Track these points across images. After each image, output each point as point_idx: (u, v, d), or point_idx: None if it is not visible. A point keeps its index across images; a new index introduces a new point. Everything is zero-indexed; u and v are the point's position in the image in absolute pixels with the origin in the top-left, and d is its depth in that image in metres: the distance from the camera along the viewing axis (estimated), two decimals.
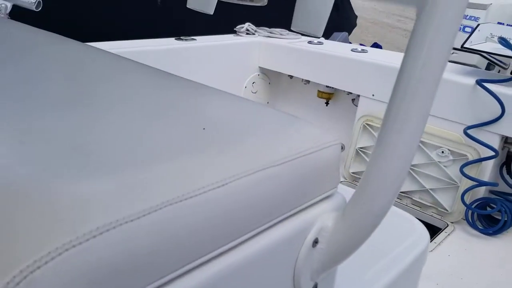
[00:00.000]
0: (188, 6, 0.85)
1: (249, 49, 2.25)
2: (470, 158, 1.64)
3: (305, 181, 0.48)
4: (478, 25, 1.79)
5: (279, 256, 0.45)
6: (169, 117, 0.50)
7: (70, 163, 0.37)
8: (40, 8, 1.57)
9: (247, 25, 2.28)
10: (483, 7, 2.32)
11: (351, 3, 4.12)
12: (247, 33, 2.27)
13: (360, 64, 1.92)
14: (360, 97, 1.95)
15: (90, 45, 0.82)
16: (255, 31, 2.30)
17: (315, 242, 0.49)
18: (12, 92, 0.54)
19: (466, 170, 1.62)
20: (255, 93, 2.35)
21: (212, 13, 0.82)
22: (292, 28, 0.68)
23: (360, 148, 1.91)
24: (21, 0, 1.56)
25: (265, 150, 0.45)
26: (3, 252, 0.28)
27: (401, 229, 0.81)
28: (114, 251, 0.30)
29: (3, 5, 1.55)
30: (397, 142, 0.47)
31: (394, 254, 0.74)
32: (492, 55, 1.82)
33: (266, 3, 0.70)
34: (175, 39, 2.02)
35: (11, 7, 1.57)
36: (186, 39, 2.04)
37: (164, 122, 0.48)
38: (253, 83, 2.32)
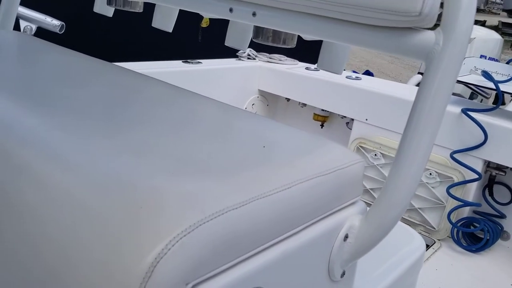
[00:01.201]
0: (152, 25, 1.00)
1: (250, 72, 2.39)
2: (456, 180, 1.78)
3: (338, 190, 0.61)
4: (464, 58, 1.96)
5: (319, 247, 0.58)
6: (233, 136, 0.63)
7: (184, 169, 0.49)
8: (63, 31, 1.69)
9: (248, 50, 2.43)
10: (468, 41, 2.50)
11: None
12: (248, 58, 2.42)
13: (355, 91, 2.07)
14: (354, 121, 2.09)
15: (136, 72, 0.94)
16: (256, 56, 2.45)
17: (346, 237, 0.62)
18: (92, 114, 0.65)
19: (452, 191, 1.77)
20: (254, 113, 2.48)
21: (171, 31, 0.98)
22: (317, 67, 0.81)
23: None
24: (45, 23, 1.67)
25: (310, 165, 0.58)
26: (155, 226, 0.40)
27: (402, 237, 0.94)
28: (226, 228, 0.43)
29: (28, 27, 1.67)
30: (411, 163, 0.60)
31: (397, 257, 0.87)
32: (476, 86, 1.98)
33: (295, 45, 0.84)
34: (183, 61, 2.15)
35: (35, 29, 1.68)
36: (192, 62, 2.17)
37: (231, 140, 0.61)
38: (253, 104, 2.45)
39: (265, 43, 0.83)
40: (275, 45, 0.83)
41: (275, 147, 0.62)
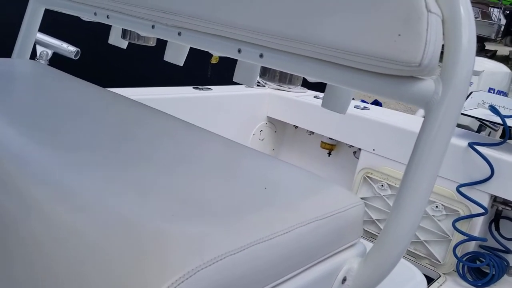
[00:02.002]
0: (164, 59, 1.03)
1: (259, 99, 2.42)
2: (462, 213, 1.78)
3: (338, 233, 0.62)
4: (471, 92, 1.98)
5: None
6: (235, 176, 0.65)
7: (186, 210, 0.51)
8: (78, 57, 1.73)
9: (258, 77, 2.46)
10: (477, 73, 2.53)
11: None
12: (257, 85, 2.45)
13: (363, 120, 2.09)
14: (361, 151, 2.10)
15: (136, 101, 0.97)
16: (265, 83, 2.48)
17: (344, 279, 0.63)
18: (100, 149, 0.68)
19: (458, 224, 1.76)
20: (262, 140, 2.50)
21: (182, 64, 1.02)
22: (322, 107, 0.83)
23: (361, 198, 2.05)
24: (61, 49, 1.72)
25: (310, 208, 0.60)
26: (156, 270, 0.42)
27: (402, 274, 0.95)
28: (224, 273, 0.45)
29: (44, 52, 1.72)
30: (411, 203, 0.62)
31: None
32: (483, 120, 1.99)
33: (300, 85, 0.86)
34: (193, 88, 2.19)
35: (51, 54, 1.73)
36: (202, 89, 2.21)
37: (234, 180, 0.63)
38: (261, 131, 2.48)
39: (271, 82, 0.85)
40: (281, 84, 0.85)
41: (277, 188, 0.63)
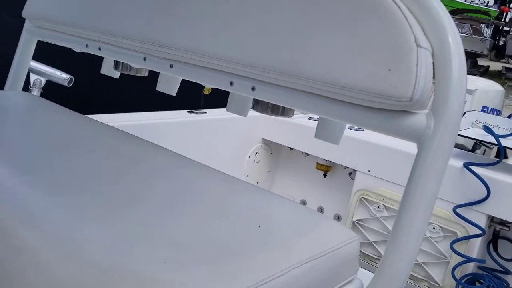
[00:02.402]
0: (157, 89, 1.03)
1: (254, 122, 2.42)
2: (459, 235, 1.77)
3: (334, 271, 0.61)
4: (465, 112, 1.98)
5: None
6: (229, 214, 0.64)
7: (178, 256, 0.50)
8: (71, 84, 1.73)
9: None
10: (470, 92, 2.54)
11: None
12: (252, 108, 2.45)
13: (357, 142, 2.09)
14: (357, 172, 2.10)
15: (129, 134, 0.96)
16: None
17: None
18: (91, 189, 0.67)
19: (456, 246, 1.75)
20: (257, 162, 2.50)
21: (174, 94, 1.02)
22: (315, 137, 0.83)
23: (357, 220, 2.04)
24: (54, 77, 1.72)
25: (305, 247, 0.59)
26: None
27: None
28: None
29: (37, 80, 1.72)
30: (407, 238, 0.61)
31: None
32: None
33: (293, 116, 0.86)
34: (187, 111, 2.19)
35: (45, 82, 1.73)
36: (197, 112, 2.21)
37: (227, 218, 0.62)
38: (256, 153, 2.47)
39: (264, 113, 0.85)
40: (273, 116, 0.85)
41: (271, 226, 0.62)
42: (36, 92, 1.72)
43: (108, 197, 0.65)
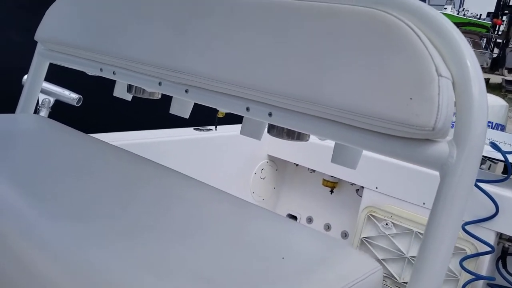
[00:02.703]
0: (170, 112, 1.04)
1: None
2: (468, 252, 1.76)
3: None
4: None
5: None
6: (249, 244, 0.64)
7: None
8: (80, 104, 1.74)
9: None
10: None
11: None
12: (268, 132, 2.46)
13: (364, 158, 2.08)
14: (364, 189, 2.09)
15: (139, 157, 0.96)
16: None
17: None
18: (102, 215, 0.67)
19: (465, 263, 1.74)
20: (263, 179, 2.49)
21: (187, 117, 1.02)
22: (332, 162, 0.83)
23: (365, 237, 2.03)
24: (63, 96, 1.73)
25: (330, 280, 0.58)
26: None
27: None
28: None
29: (46, 100, 1.72)
30: (434, 263, 0.60)
31: None
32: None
33: (308, 140, 0.86)
34: (194, 129, 2.19)
35: (53, 102, 1.73)
36: (203, 129, 2.21)
37: (248, 249, 0.62)
38: (262, 169, 2.47)
39: (279, 138, 0.85)
40: (289, 140, 0.85)
41: (294, 257, 0.62)
42: (44, 111, 1.73)
43: (121, 223, 0.65)
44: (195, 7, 0.86)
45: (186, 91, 0.89)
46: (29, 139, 1.00)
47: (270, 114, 0.77)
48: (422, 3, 0.69)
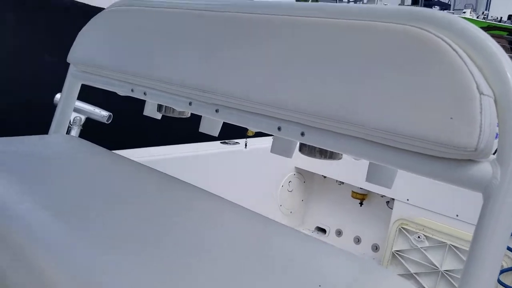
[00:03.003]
0: (200, 130, 1.04)
1: None
2: (505, 265, 1.70)
3: None
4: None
5: None
6: (284, 269, 0.62)
7: None
8: (110, 121, 1.77)
9: None
10: None
11: None
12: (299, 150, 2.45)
13: None
14: (395, 201, 2.06)
15: (168, 176, 0.97)
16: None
17: None
18: (129, 239, 0.67)
19: (502, 277, 1.68)
20: (291, 191, 2.48)
21: (217, 135, 1.02)
22: (366, 181, 0.81)
23: (397, 251, 1.99)
24: (94, 114, 1.76)
25: None
26: None
27: None
28: None
29: (77, 118, 1.75)
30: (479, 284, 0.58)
31: None
32: None
33: (341, 158, 0.85)
34: (221, 142, 2.20)
35: (84, 120, 1.77)
36: (230, 143, 2.21)
37: (283, 274, 0.61)
38: (289, 182, 2.46)
39: (311, 157, 0.84)
40: (322, 159, 0.84)
41: (332, 285, 0.61)
42: (76, 129, 1.76)
43: (161, 251, 0.64)
44: (224, 29, 0.87)
45: (217, 110, 0.89)
46: (61, 160, 1.01)
47: (302, 134, 0.76)
48: (458, 18, 0.67)
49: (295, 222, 2.49)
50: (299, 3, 0.86)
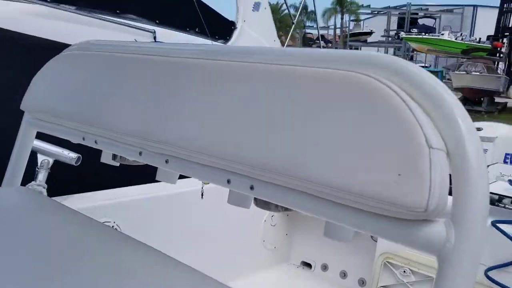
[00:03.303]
0: (156, 178, 0.99)
1: None
2: None
3: None
4: (488, 166, 1.89)
5: None
6: None
7: None
8: (79, 163, 1.70)
9: None
10: (490, 139, 2.45)
11: None
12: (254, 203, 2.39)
13: None
14: None
15: (128, 236, 0.91)
16: None
17: None
18: None
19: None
20: (274, 225, 2.41)
21: (175, 183, 0.97)
22: (324, 235, 0.76)
23: (383, 286, 1.92)
24: (62, 156, 1.70)
25: None
26: None
27: None
28: None
29: (45, 161, 1.69)
30: None
31: None
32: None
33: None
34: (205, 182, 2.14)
35: (52, 162, 1.70)
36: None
37: None
38: (272, 216, 2.39)
39: (266, 210, 0.79)
40: (277, 212, 0.78)
41: None
42: (43, 173, 1.70)
43: None
44: (174, 80, 0.83)
45: (167, 161, 0.84)
46: (13, 215, 0.95)
47: (252, 187, 0.71)
48: (408, 62, 0.63)
49: (280, 257, 2.41)
50: (249, 47, 0.82)
